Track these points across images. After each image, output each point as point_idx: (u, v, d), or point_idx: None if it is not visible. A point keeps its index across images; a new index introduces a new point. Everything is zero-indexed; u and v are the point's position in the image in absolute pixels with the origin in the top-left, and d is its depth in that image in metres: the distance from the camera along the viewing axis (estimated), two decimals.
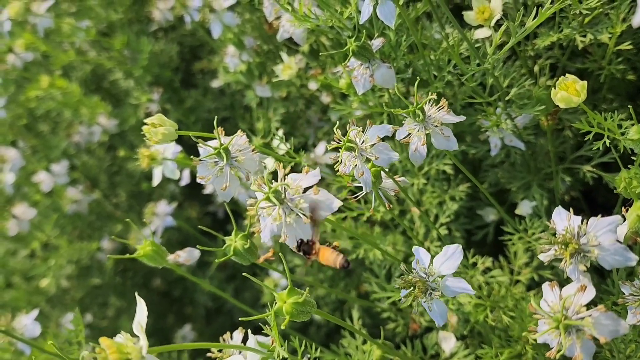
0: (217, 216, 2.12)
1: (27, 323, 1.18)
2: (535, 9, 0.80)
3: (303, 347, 0.85)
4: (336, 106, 1.16)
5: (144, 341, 0.49)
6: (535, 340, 0.98)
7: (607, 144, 0.79)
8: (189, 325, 2.04)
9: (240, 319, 0.66)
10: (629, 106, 0.78)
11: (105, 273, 1.93)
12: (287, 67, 1.17)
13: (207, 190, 1.42)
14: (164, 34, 2.04)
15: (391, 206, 0.82)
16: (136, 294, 0.55)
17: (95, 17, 1.71)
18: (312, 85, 1.51)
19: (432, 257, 0.69)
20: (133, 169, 1.86)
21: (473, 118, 1.15)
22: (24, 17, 1.38)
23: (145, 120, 0.76)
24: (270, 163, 1.13)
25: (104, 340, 0.49)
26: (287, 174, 0.65)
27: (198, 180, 0.79)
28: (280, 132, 1.19)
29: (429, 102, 0.75)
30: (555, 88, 0.71)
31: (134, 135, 1.82)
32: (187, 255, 0.92)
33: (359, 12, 0.88)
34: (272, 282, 1.45)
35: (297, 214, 0.63)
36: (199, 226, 0.91)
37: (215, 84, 1.74)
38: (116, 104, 1.92)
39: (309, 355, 0.88)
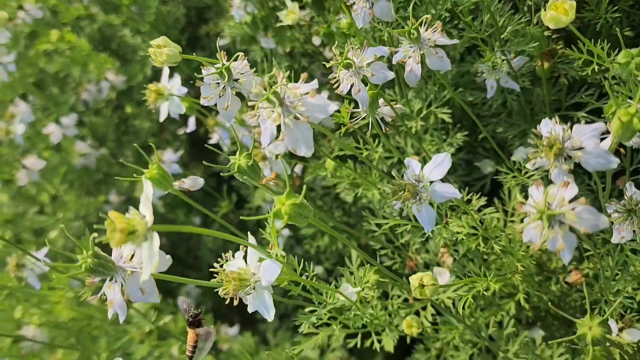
0: (222, 177, 2.16)
1: (39, 257, 1.22)
2: None
3: (302, 265, 0.89)
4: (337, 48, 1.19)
5: (150, 216, 0.53)
6: (524, 267, 1.02)
7: (596, 70, 0.82)
8: (194, 286, 2.09)
9: (241, 217, 0.70)
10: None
11: None
12: (291, 12, 1.20)
13: (213, 140, 1.45)
14: None
15: (387, 130, 0.85)
16: (142, 177, 0.59)
17: None
18: (316, 41, 1.54)
19: (423, 165, 0.73)
20: (140, 127, 1.90)
21: (470, 65, 1.18)
22: None
23: (151, 42, 0.79)
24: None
25: (112, 213, 0.53)
26: (286, 78, 0.68)
27: (202, 102, 0.83)
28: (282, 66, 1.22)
29: (423, 23, 0.78)
30: (546, 9, 0.74)
31: (141, 93, 1.85)
32: (192, 182, 0.96)
33: None
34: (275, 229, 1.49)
35: (295, 116, 0.66)
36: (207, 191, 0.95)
37: (222, 42, 1.77)
38: (123, 63, 1.96)
39: (307, 274, 0.92)
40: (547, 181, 0.75)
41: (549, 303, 1.21)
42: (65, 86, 2.03)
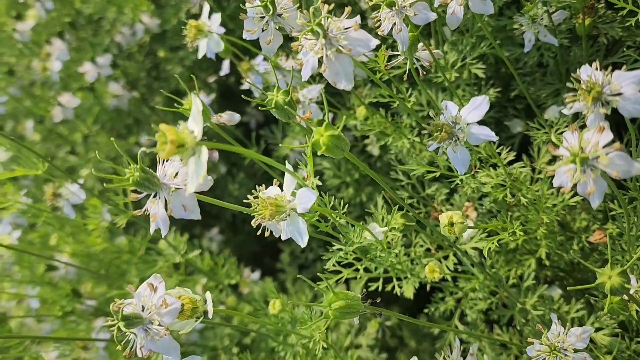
0: (250, 126, 2.18)
1: (73, 189, 1.27)
2: None
3: (332, 202, 0.91)
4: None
5: (199, 130, 0.55)
6: (549, 219, 1.03)
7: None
8: (216, 229, 2.13)
9: (280, 144, 0.72)
10: None
11: None
12: None
13: (245, 86, 1.46)
14: None
15: (424, 73, 0.86)
16: (192, 94, 0.61)
17: None
18: None
19: (460, 108, 0.74)
20: (171, 72, 1.92)
21: (510, 20, 1.18)
22: None
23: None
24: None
25: (163, 125, 0.55)
26: (330, 11, 0.69)
27: (245, 36, 0.84)
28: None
29: None
30: None
31: (174, 38, 1.87)
32: (229, 117, 0.98)
33: None
34: (301, 177, 1.51)
35: (338, 49, 0.68)
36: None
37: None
38: (157, 7, 1.97)
39: (337, 211, 0.94)
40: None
41: (569, 265, 1.23)
42: (99, 28, 2.05)
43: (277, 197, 0.71)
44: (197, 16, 1.89)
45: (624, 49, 1.17)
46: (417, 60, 0.88)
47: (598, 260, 1.21)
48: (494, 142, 1.16)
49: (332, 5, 0.69)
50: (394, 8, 0.77)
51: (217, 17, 1.07)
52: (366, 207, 1.69)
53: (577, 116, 1.26)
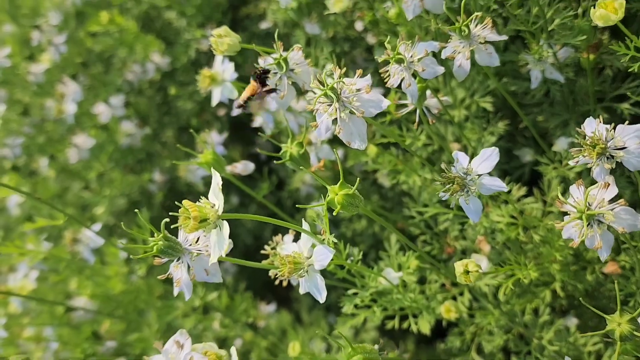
0: (260, 158, 2.21)
1: (91, 235, 1.29)
2: None
3: (347, 249, 0.93)
4: (383, 39, 1.21)
5: (220, 204, 0.57)
6: (561, 257, 1.04)
7: None
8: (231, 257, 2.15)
9: (297, 205, 0.74)
10: None
11: (154, 207, 2.05)
12: (339, 1, 1.22)
13: (256, 124, 1.49)
14: None
15: (434, 121, 0.88)
16: (212, 169, 0.63)
17: None
18: (359, 26, 1.56)
19: (471, 159, 0.76)
20: (182, 107, 1.95)
21: (515, 55, 1.19)
22: None
23: (212, 32, 0.83)
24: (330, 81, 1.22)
25: (186, 202, 0.58)
26: (342, 75, 0.72)
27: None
28: (329, 66, 1.25)
29: (474, 20, 0.80)
30: (594, 8, 0.75)
31: (184, 75, 1.90)
32: (243, 167, 1.00)
33: None
34: (315, 213, 1.53)
35: (351, 110, 0.70)
36: None
37: (264, 25, 1.80)
38: (167, 45, 2.01)
39: (352, 258, 0.96)
40: (586, 173, 0.77)
41: (584, 293, 1.23)
42: (110, 66, 2.09)
43: (295, 255, 0.73)
44: (205, 54, 1.92)
45: (630, 78, 1.19)
46: (427, 108, 0.90)
47: (613, 290, 1.21)
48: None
49: (344, 69, 0.71)
50: (402, 64, 0.79)
51: (230, 66, 1.10)
52: (379, 236, 1.71)
53: None
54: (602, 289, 1.24)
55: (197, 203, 0.59)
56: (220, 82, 1.09)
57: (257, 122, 1.52)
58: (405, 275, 0.93)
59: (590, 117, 0.71)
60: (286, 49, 1.77)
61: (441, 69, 0.80)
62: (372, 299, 1.04)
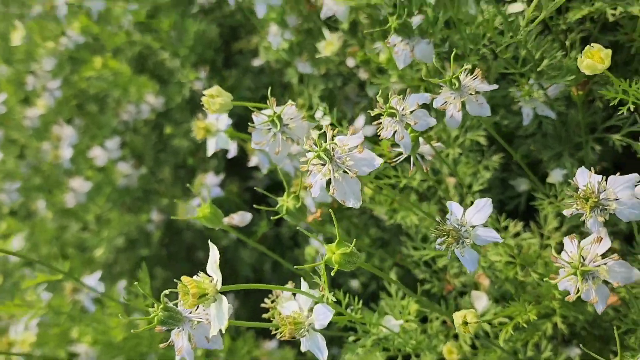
0: (257, 191, 2.22)
1: (91, 283, 1.29)
2: None
3: (347, 300, 0.94)
4: (375, 80, 1.22)
5: (219, 278, 0.58)
6: (561, 294, 1.04)
7: (631, 110, 0.84)
8: (232, 294, 2.15)
9: (295, 267, 0.75)
10: None
11: (152, 245, 2.05)
12: (329, 44, 1.24)
13: (252, 163, 1.50)
14: (204, 15, 2.12)
15: (428, 169, 0.89)
16: (209, 242, 0.63)
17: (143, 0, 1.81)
18: (350, 62, 1.58)
19: (465, 210, 0.77)
20: (178, 146, 1.96)
21: (506, 90, 1.21)
22: (80, 1, 1.48)
23: (204, 92, 0.84)
24: (315, 134, 1.22)
25: (185, 278, 0.58)
26: (334, 136, 0.72)
27: (253, 146, 0.88)
28: (320, 112, 1.27)
29: (464, 72, 0.81)
30: (581, 57, 0.77)
31: (179, 113, 1.92)
32: (240, 218, 1.00)
33: None
34: (314, 249, 1.53)
35: (344, 170, 0.70)
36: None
37: (256, 62, 1.82)
38: (162, 83, 2.02)
39: (352, 307, 0.96)
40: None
41: (585, 324, 1.23)
42: (105, 105, 2.10)
43: (295, 315, 0.73)
44: (200, 95, 1.94)
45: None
46: (421, 155, 0.90)
47: (614, 318, 1.22)
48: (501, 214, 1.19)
49: (336, 130, 0.72)
50: (394, 118, 0.80)
51: (224, 116, 1.11)
52: (380, 267, 1.71)
53: None
54: (604, 317, 1.24)
55: (195, 277, 0.59)
56: (214, 132, 1.10)
57: (253, 161, 1.53)
58: (406, 322, 0.93)
59: (583, 167, 0.72)
60: (278, 86, 1.78)
61: (433, 121, 0.81)
62: (374, 342, 1.04)
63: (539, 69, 1.01)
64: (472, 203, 1.25)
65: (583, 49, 1.24)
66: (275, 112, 0.82)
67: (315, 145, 0.71)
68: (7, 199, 1.83)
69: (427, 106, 0.84)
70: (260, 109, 0.87)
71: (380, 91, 0.81)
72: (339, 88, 1.69)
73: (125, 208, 2.02)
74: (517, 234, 1.18)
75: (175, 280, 0.62)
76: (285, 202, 0.87)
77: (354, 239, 0.71)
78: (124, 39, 1.68)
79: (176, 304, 0.68)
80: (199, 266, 2.00)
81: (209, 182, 1.47)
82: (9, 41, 1.83)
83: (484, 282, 1.25)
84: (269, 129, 0.85)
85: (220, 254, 1.94)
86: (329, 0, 1.09)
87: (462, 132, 1.26)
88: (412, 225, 1.23)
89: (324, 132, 0.73)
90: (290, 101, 0.86)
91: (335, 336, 1.84)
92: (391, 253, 1.65)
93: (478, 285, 1.25)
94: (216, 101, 0.82)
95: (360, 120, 1.40)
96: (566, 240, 0.67)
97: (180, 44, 1.67)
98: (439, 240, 0.75)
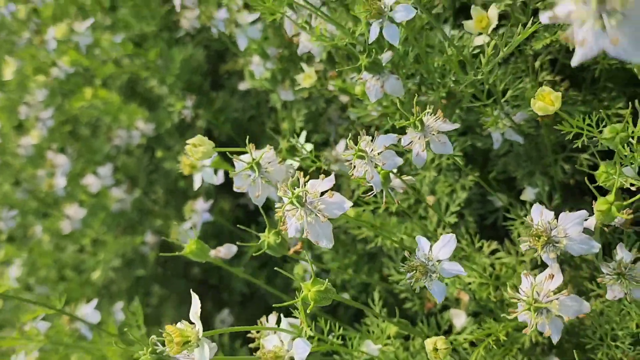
0: (248, 208, 2.27)
1: (87, 311, 1.35)
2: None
3: (329, 327, 0.99)
4: (353, 109, 1.28)
5: (200, 326, 0.63)
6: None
7: (585, 142, 0.90)
8: (227, 310, 2.20)
9: (273, 305, 0.80)
10: (629, 102, 0.88)
11: (148, 265, 2.11)
12: (308, 77, 1.29)
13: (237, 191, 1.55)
14: (191, 38, 2.18)
15: (399, 202, 0.95)
16: (191, 291, 0.69)
17: (129, 28, 1.86)
18: (331, 86, 1.64)
19: (432, 244, 0.82)
20: (170, 168, 2.01)
21: (477, 115, 1.27)
22: (68, 37, 1.53)
23: (187, 142, 0.90)
24: (296, 165, 1.28)
25: (168, 327, 0.64)
26: (307, 182, 0.78)
27: (235, 189, 0.93)
28: (303, 136, 1.33)
29: (427, 114, 0.87)
30: (534, 98, 0.82)
31: (169, 138, 1.97)
32: (226, 251, 1.06)
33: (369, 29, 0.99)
34: (302, 268, 1.59)
35: (316, 215, 0.76)
36: (235, 222, 1.05)
37: (242, 86, 1.87)
38: (151, 106, 2.08)
39: (333, 333, 1.02)
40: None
41: (564, 332, 1.29)
42: (97, 129, 2.16)
43: (276, 350, 0.79)
44: (189, 126, 1.99)
45: None
46: (392, 189, 0.96)
47: (590, 326, 1.28)
48: (477, 234, 1.25)
49: (307, 178, 0.78)
50: (364, 160, 0.85)
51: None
52: (368, 281, 1.77)
53: (551, 193, 1.35)
54: (581, 326, 1.30)
55: (179, 325, 0.65)
56: (199, 168, 1.15)
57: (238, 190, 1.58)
58: (385, 346, 0.99)
59: (537, 204, 0.78)
60: (265, 105, 1.82)
61: (400, 160, 0.86)
62: None
63: (503, 100, 1.07)
64: (449, 224, 1.32)
65: (552, 70, 1.32)
66: (253, 159, 0.88)
67: (289, 191, 0.77)
68: (4, 226, 1.88)
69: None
70: (240, 153, 0.92)
71: (356, 119, 0.86)
72: (322, 110, 1.74)
73: (120, 230, 2.08)
74: (494, 251, 1.24)
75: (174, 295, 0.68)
76: (266, 238, 0.93)
77: (327, 280, 0.77)
78: (113, 69, 1.73)
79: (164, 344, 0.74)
80: (195, 283, 2.05)
81: (199, 208, 1.53)
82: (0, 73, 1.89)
83: (464, 297, 1.31)
84: (249, 174, 0.90)
85: (214, 269, 1.99)
86: (304, 39, 1.15)
87: (437, 155, 1.31)
88: (392, 247, 1.29)
89: (298, 177, 0.79)
90: (268, 146, 0.91)
91: None
92: (378, 267, 1.71)
93: (459, 300, 1.31)
94: (199, 150, 0.88)
95: (342, 144, 1.46)
96: (522, 277, 0.73)
97: (167, 72, 1.72)
98: (409, 275, 0.81)
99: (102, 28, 1.92)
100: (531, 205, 1.26)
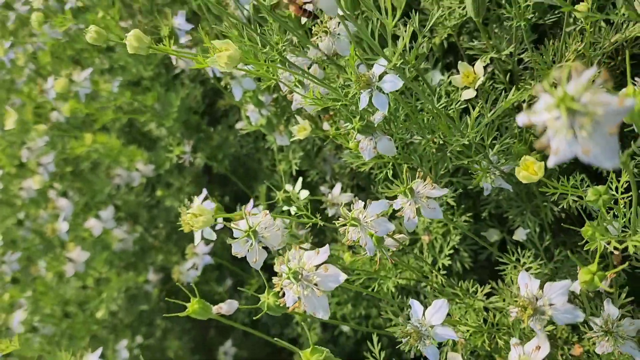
0: None
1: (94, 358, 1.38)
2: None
3: None
4: (348, 158, 1.32)
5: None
6: None
7: (570, 204, 0.93)
8: (230, 341, 2.24)
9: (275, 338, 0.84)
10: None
11: (151, 299, 2.14)
12: (302, 129, 1.33)
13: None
14: (187, 75, 2.22)
15: (394, 261, 0.98)
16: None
17: (127, 70, 1.90)
18: (326, 126, 1.68)
19: (424, 310, 0.86)
20: (170, 205, 2.05)
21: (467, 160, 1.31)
22: (68, 89, 1.57)
23: (188, 211, 0.94)
24: (303, 194, 1.34)
25: None
26: (302, 256, 0.82)
27: (233, 253, 0.97)
28: (299, 183, 1.36)
29: (417, 182, 0.91)
30: (519, 167, 0.86)
31: (170, 176, 2.01)
32: (228, 307, 1.09)
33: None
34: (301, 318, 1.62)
35: (312, 288, 0.80)
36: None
37: (239, 125, 1.91)
38: (151, 145, 2.12)
39: None
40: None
41: None
42: (97, 166, 2.20)
43: None
44: (186, 163, 2.03)
45: None
46: (386, 249, 1.00)
47: None
48: (470, 279, 1.29)
49: (303, 252, 0.82)
50: (357, 227, 0.89)
51: (209, 202, 1.20)
52: (369, 314, 1.80)
53: (542, 234, 1.39)
54: None
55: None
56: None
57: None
58: None
59: (523, 272, 0.81)
60: (262, 140, 1.84)
61: (392, 227, 0.90)
62: None
63: (490, 155, 1.10)
64: (443, 266, 1.36)
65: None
66: (250, 227, 0.92)
67: (285, 266, 0.81)
68: (8, 269, 1.91)
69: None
70: (230, 220, 0.96)
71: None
72: (317, 149, 1.78)
73: (123, 266, 2.11)
74: (489, 294, 1.27)
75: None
76: (266, 299, 0.96)
77: (325, 352, 0.80)
78: (112, 115, 1.77)
79: None
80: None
81: (200, 251, 1.56)
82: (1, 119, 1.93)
83: (461, 340, 1.35)
84: (247, 240, 0.94)
85: (216, 301, 2.02)
86: (298, 97, 1.19)
87: None
88: (389, 292, 1.33)
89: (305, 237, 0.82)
90: (265, 211, 0.95)
91: None
92: (376, 301, 1.74)
93: (455, 342, 1.34)
94: (199, 220, 0.92)
95: (338, 188, 1.50)
96: (511, 347, 0.77)
97: (165, 116, 1.76)
98: (404, 340, 0.85)
99: (100, 71, 1.96)
100: (522, 247, 1.31)
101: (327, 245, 0.85)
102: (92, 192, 2.00)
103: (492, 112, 0.94)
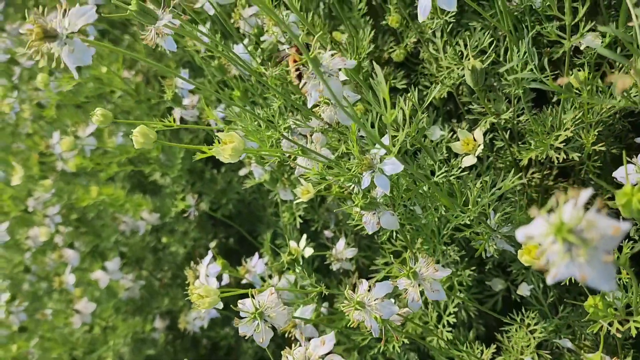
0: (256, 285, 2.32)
1: None
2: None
3: None
4: (352, 221, 1.34)
5: None
6: None
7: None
8: None
9: None
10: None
11: (158, 345, 2.15)
12: (306, 191, 1.34)
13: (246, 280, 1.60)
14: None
15: (399, 338, 1.00)
16: None
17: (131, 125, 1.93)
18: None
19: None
20: (175, 250, 2.07)
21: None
22: (73, 147, 1.60)
23: (194, 292, 0.95)
24: (307, 252, 1.36)
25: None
26: (309, 341, 0.83)
27: (240, 334, 0.98)
28: (304, 240, 1.38)
29: (420, 266, 0.92)
30: (522, 249, 0.88)
31: (174, 223, 2.03)
32: None
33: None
34: None
35: None
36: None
37: (242, 171, 1.93)
38: (155, 192, 2.14)
39: None
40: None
41: None
42: (102, 212, 2.22)
43: None
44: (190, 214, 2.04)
45: None
46: (390, 324, 1.01)
47: None
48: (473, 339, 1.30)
49: (311, 341, 0.83)
50: (362, 310, 0.90)
51: (215, 265, 1.22)
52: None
53: (545, 289, 1.40)
54: None
55: None
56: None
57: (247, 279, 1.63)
58: None
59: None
60: (265, 192, 1.86)
61: (396, 309, 0.91)
62: None
63: (490, 225, 1.12)
64: (448, 323, 1.37)
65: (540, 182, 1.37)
66: (257, 309, 0.93)
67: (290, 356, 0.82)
68: (16, 319, 1.93)
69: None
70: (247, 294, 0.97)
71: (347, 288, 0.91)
72: (322, 200, 1.80)
73: (129, 311, 2.12)
74: (494, 354, 1.28)
75: None
76: None
77: None
78: (116, 169, 1.79)
79: None
80: (204, 354, 2.09)
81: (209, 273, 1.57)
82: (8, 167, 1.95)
83: None
84: (253, 320, 0.95)
85: (222, 339, 2.03)
86: (301, 163, 1.20)
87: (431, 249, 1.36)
88: (395, 351, 1.34)
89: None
90: (270, 290, 0.96)
91: None
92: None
93: None
94: (205, 301, 0.93)
95: (341, 243, 1.51)
96: None
97: (170, 167, 1.78)
98: None
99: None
100: (527, 308, 1.32)
101: (332, 333, 0.86)
102: (98, 239, 2.02)
103: (492, 192, 0.95)
